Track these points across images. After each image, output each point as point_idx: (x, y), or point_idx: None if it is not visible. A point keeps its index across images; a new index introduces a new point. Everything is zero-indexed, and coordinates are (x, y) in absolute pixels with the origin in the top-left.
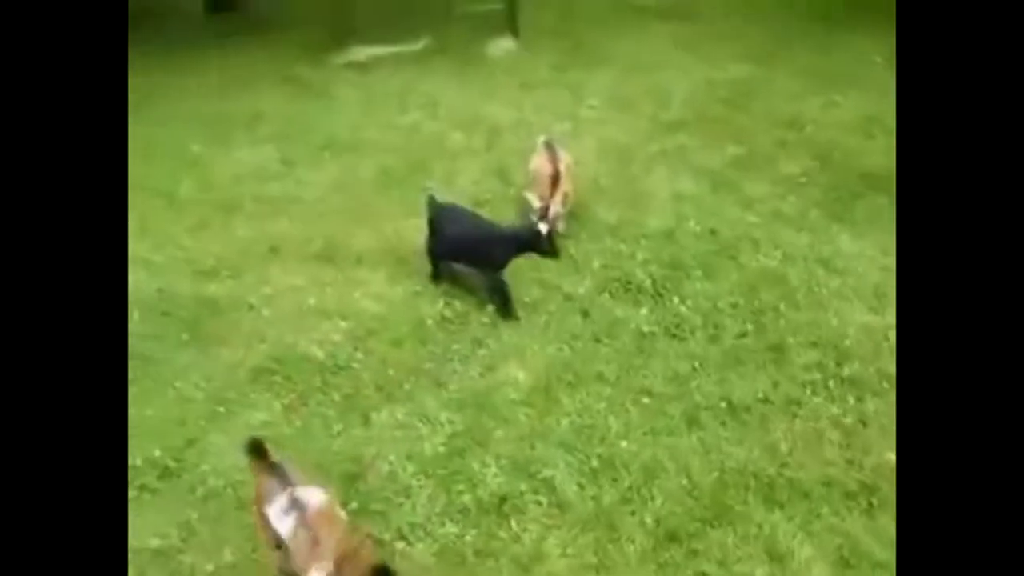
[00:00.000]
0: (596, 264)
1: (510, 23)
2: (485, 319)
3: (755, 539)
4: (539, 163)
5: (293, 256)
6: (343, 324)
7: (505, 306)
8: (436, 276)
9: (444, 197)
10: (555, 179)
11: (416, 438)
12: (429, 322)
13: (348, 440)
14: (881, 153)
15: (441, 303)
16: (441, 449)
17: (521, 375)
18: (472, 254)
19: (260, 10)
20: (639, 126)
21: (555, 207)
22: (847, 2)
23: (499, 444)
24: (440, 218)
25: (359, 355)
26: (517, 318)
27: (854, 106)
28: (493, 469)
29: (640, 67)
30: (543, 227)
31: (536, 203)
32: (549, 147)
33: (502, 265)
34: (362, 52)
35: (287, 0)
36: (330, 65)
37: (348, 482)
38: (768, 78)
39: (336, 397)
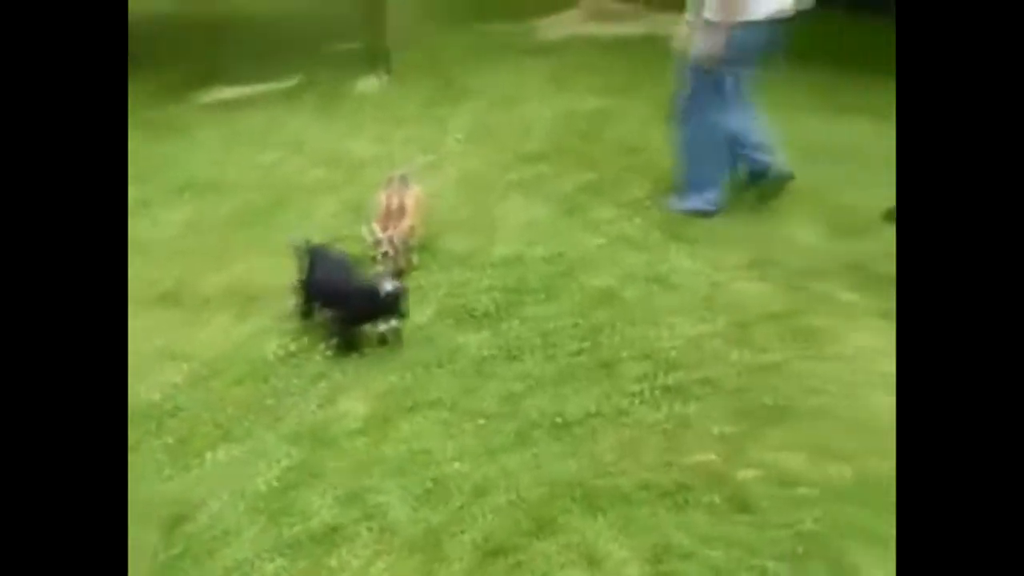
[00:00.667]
0: (442, 292)
1: (382, 60)
2: (328, 352)
3: (576, 546)
4: (384, 197)
5: (138, 299)
6: (185, 366)
7: (346, 345)
8: (307, 315)
9: (302, 235)
10: (399, 212)
11: (250, 475)
12: (271, 359)
13: (179, 483)
14: None
15: (287, 339)
16: (275, 484)
17: (360, 405)
18: (332, 302)
19: None
20: (499, 157)
21: (393, 242)
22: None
23: (334, 475)
24: (314, 260)
25: (198, 396)
26: (362, 353)
27: None
28: (326, 500)
29: (506, 101)
30: (391, 285)
31: (370, 237)
32: (398, 181)
33: (355, 322)
34: (228, 91)
35: (152, 38)
36: (194, 104)
37: (174, 525)
38: (623, 108)
39: (170, 440)
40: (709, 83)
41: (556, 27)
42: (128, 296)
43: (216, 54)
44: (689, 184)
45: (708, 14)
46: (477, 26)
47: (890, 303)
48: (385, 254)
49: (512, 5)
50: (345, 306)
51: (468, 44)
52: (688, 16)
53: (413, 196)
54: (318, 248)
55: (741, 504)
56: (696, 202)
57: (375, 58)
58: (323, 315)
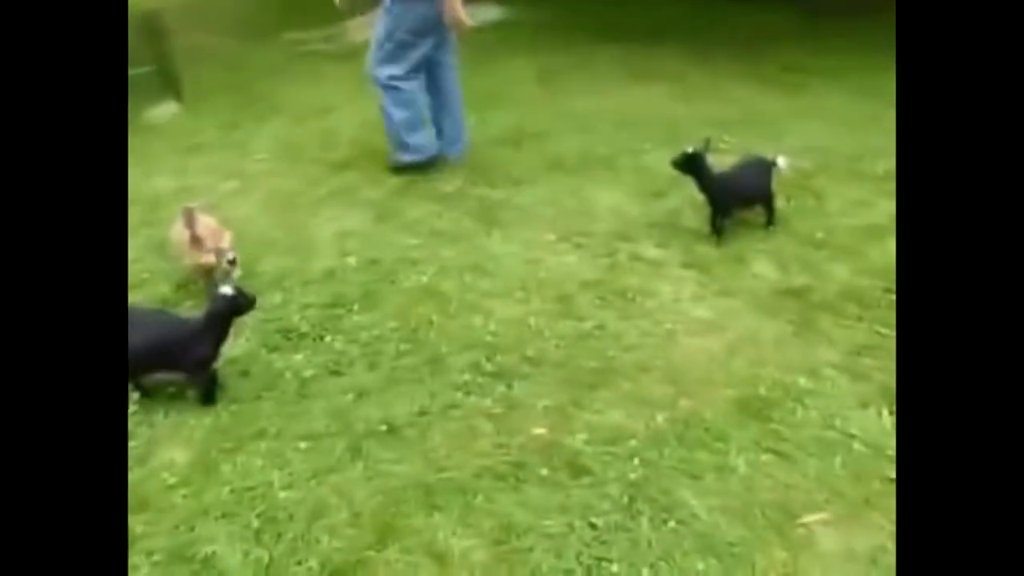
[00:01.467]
0: (256, 318)
1: (171, 85)
2: (133, 407)
3: (417, 547)
4: (176, 231)
5: None
6: None
7: (209, 393)
8: (144, 393)
9: None
10: (195, 241)
11: None
12: None
13: None
14: (527, 158)
15: None
16: None
17: (178, 454)
18: (172, 361)
19: None
20: (307, 171)
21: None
22: (500, 29)
23: (150, 540)
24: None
25: None
26: (215, 402)
27: (505, 119)
28: (144, 570)
29: (311, 113)
30: (228, 289)
31: (202, 259)
32: (185, 214)
33: (213, 358)
34: None
35: None
36: None
37: None
38: None
39: None
40: (402, 53)
41: (362, 29)
42: None
43: None
44: (401, 141)
45: None
46: (284, 35)
47: (689, 253)
48: (232, 261)
49: (318, 10)
50: (195, 353)
51: (272, 56)
52: None
53: (204, 226)
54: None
55: (573, 469)
56: (411, 155)
57: (165, 84)
58: (165, 380)
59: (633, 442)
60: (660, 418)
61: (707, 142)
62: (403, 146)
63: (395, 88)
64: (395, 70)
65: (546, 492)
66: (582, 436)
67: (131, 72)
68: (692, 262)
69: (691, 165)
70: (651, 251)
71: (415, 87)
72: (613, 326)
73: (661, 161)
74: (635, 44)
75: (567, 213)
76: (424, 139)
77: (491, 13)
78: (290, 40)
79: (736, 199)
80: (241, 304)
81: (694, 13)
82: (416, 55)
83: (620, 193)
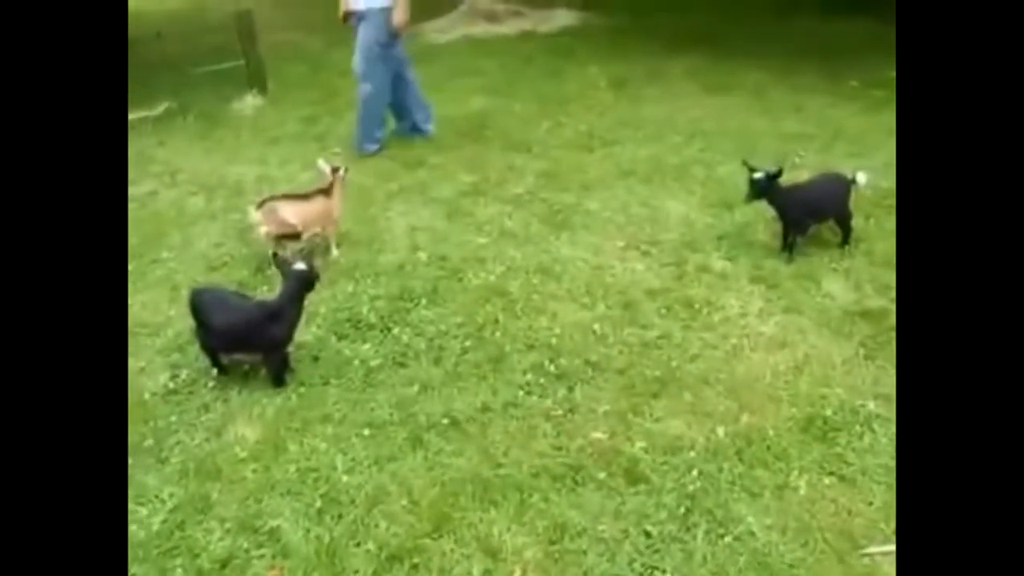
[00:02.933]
0: (326, 308)
1: (257, 79)
2: (212, 384)
3: (472, 540)
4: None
5: None
6: None
7: (278, 375)
8: (222, 370)
9: (182, 266)
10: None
11: (131, 523)
12: (151, 398)
13: None
14: (598, 164)
15: (166, 376)
16: (159, 527)
17: (249, 431)
18: (248, 342)
19: None
20: (380, 167)
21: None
22: (576, 35)
23: (223, 507)
24: (204, 308)
25: None
26: (285, 384)
27: (578, 125)
28: (217, 534)
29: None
30: (300, 264)
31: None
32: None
33: (287, 341)
34: None
35: None
36: None
37: None
38: (503, 108)
39: None
40: (378, 56)
41: (440, 30)
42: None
43: None
44: (364, 133)
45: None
46: None
47: (758, 268)
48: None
49: None
50: (270, 340)
51: (348, 56)
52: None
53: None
54: (205, 292)
55: (630, 476)
56: (370, 145)
57: (251, 78)
58: (242, 360)
59: (692, 454)
60: (721, 432)
61: (780, 164)
62: (373, 139)
63: (377, 88)
64: (380, 70)
65: (602, 496)
66: (641, 444)
67: (222, 66)
68: (761, 277)
69: (763, 189)
70: (719, 263)
71: (389, 86)
72: (677, 336)
73: (734, 173)
74: (709, 55)
75: (636, 220)
76: (383, 134)
77: (565, 19)
78: None
79: (808, 214)
80: (312, 278)
81: (771, 24)
82: (392, 54)
83: (690, 203)
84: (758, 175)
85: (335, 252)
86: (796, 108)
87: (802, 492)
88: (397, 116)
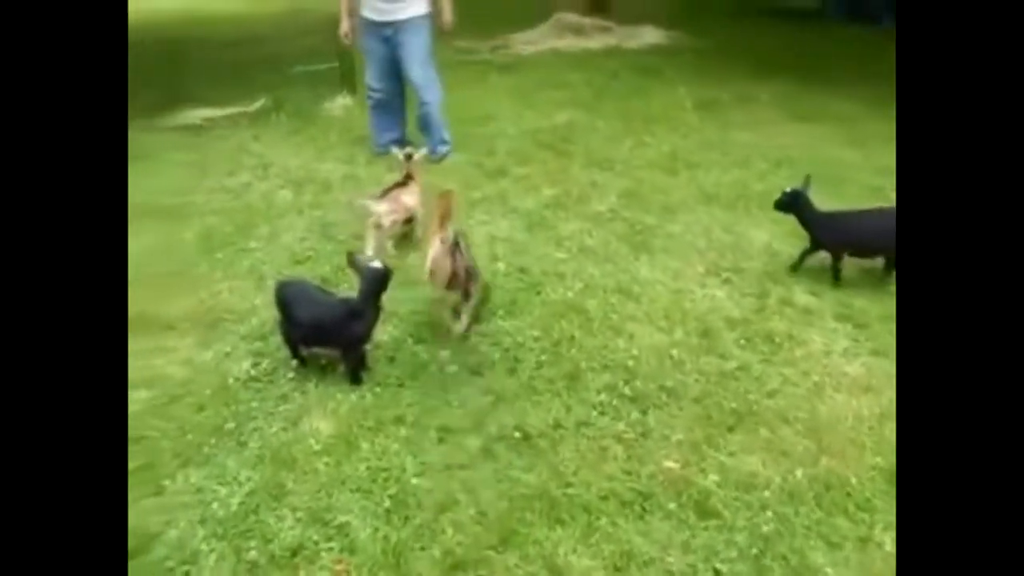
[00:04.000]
0: (405, 310)
1: (347, 81)
2: (291, 375)
3: (537, 558)
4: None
5: None
6: (144, 394)
7: (355, 372)
8: (301, 363)
9: (268, 257)
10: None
11: (210, 501)
12: (234, 383)
13: (137, 512)
14: (681, 186)
15: (249, 363)
16: (236, 508)
17: (323, 425)
18: (329, 338)
19: None
20: (465, 173)
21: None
22: (662, 54)
23: (295, 496)
24: (289, 301)
25: (159, 423)
26: (361, 382)
27: (662, 145)
28: (288, 522)
29: (472, 119)
30: (376, 262)
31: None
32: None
33: (366, 339)
34: (195, 114)
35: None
36: (161, 128)
37: (131, 558)
38: (588, 123)
39: (130, 468)
40: (431, 61)
41: (528, 42)
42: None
43: (183, 77)
44: (437, 137)
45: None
46: (452, 43)
47: (845, 305)
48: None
49: (486, 21)
50: (350, 334)
51: (441, 61)
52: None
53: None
54: (290, 286)
55: (701, 509)
56: (443, 147)
57: (343, 79)
58: (320, 354)
59: (767, 493)
60: (799, 473)
61: (807, 178)
62: (445, 141)
63: (438, 92)
64: (435, 75)
65: (671, 527)
66: (714, 477)
67: (316, 67)
68: (847, 315)
69: (792, 202)
70: (803, 297)
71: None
72: (756, 369)
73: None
74: (800, 81)
75: (718, 246)
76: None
77: (652, 36)
78: (459, 48)
79: (843, 242)
80: (388, 274)
81: (866, 53)
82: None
83: (775, 233)
84: (787, 189)
85: (420, 234)
86: (890, 141)
87: (887, 548)
88: (394, 125)
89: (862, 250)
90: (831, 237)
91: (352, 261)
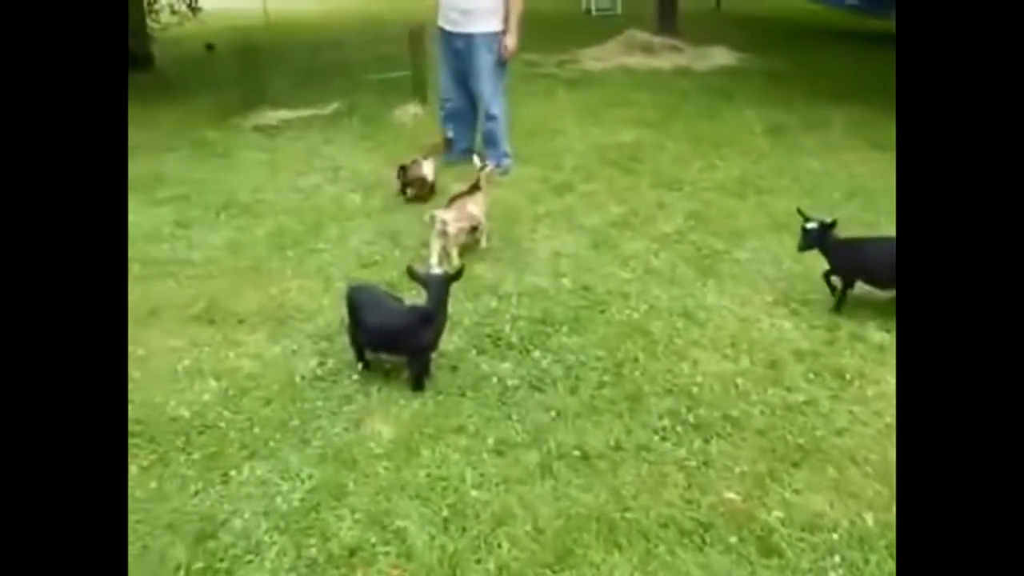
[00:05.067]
0: (469, 321)
1: (418, 89)
2: (356, 376)
3: None
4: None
5: (173, 318)
6: (215, 384)
7: (419, 379)
8: (365, 366)
9: (336, 259)
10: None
11: (274, 494)
12: (300, 380)
13: (205, 499)
14: (750, 212)
15: (315, 361)
16: (297, 504)
17: (385, 429)
18: (396, 343)
19: (174, 72)
20: (531, 188)
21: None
22: (733, 76)
23: (355, 497)
24: (359, 305)
25: (227, 414)
26: (423, 390)
27: (731, 168)
28: (347, 522)
29: (541, 131)
30: (438, 269)
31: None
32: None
33: (433, 347)
34: (272, 115)
35: (201, 63)
36: (238, 128)
37: (198, 540)
38: (656, 142)
39: (197, 456)
40: (500, 76)
41: (596, 58)
42: (165, 314)
43: (260, 80)
44: (502, 151)
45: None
46: (522, 56)
47: None
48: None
49: (556, 36)
50: (417, 341)
51: (509, 74)
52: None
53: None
54: (361, 290)
55: (763, 546)
56: (508, 160)
57: (414, 88)
58: (388, 359)
59: (834, 536)
60: (869, 519)
61: (801, 212)
62: (508, 154)
63: (504, 107)
64: (502, 91)
65: (731, 562)
66: (777, 513)
67: (390, 75)
68: None
69: (815, 241)
70: (875, 334)
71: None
72: (824, 405)
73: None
74: (875, 107)
75: (787, 276)
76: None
77: (723, 58)
78: (527, 61)
79: (856, 270)
80: (450, 277)
81: None
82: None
83: None
84: (811, 225)
85: (485, 243)
86: None
87: None
88: (464, 136)
89: (871, 279)
90: (846, 266)
91: (412, 273)
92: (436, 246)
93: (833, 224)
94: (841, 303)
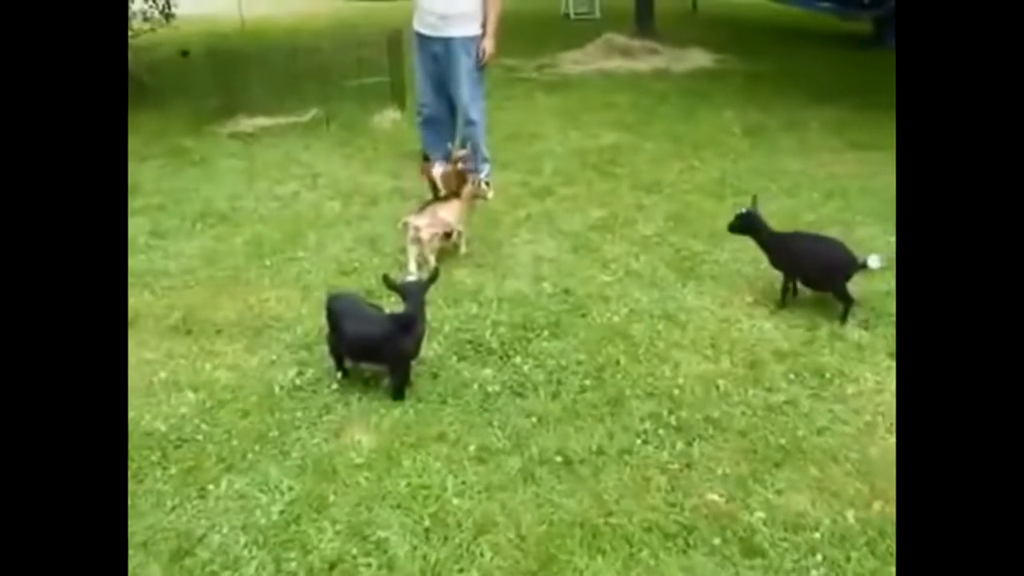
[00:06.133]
0: (449, 327)
1: (398, 95)
2: (335, 386)
3: None
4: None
5: (149, 329)
6: (192, 396)
7: (399, 387)
8: (345, 375)
9: (315, 267)
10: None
11: (253, 508)
12: (279, 391)
13: (181, 515)
14: (729, 213)
15: (294, 371)
16: (276, 517)
17: (365, 439)
18: (377, 352)
19: (148, 81)
20: (510, 192)
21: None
22: (711, 77)
23: (336, 509)
24: (339, 314)
25: (204, 427)
26: (404, 398)
27: (710, 170)
28: (328, 534)
29: (520, 136)
30: (414, 275)
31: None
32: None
33: (415, 355)
34: (249, 123)
35: (176, 70)
36: (215, 136)
37: (175, 558)
38: (635, 145)
39: (174, 471)
40: (479, 81)
41: (575, 61)
42: (141, 325)
43: (238, 87)
44: (480, 157)
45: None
46: (500, 60)
47: None
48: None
49: (534, 40)
50: (397, 349)
51: (488, 78)
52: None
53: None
54: (341, 299)
55: (746, 547)
56: (486, 165)
57: (393, 94)
58: (368, 368)
59: (816, 535)
60: (850, 516)
61: (754, 199)
62: (485, 159)
63: (483, 112)
64: (481, 95)
65: (715, 564)
66: (760, 514)
67: (368, 80)
68: None
69: (746, 226)
70: (855, 332)
71: None
72: (805, 404)
73: (874, 237)
74: (853, 108)
75: (767, 276)
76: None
77: (701, 59)
78: (506, 66)
79: (792, 265)
80: (428, 282)
81: None
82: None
83: None
84: (743, 210)
85: (464, 249)
86: None
87: None
88: (443, 141)
89: (806, 279)
90: (780, 259)
91: (388, 283)
92: (412, 252)
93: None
94: (785, 296)
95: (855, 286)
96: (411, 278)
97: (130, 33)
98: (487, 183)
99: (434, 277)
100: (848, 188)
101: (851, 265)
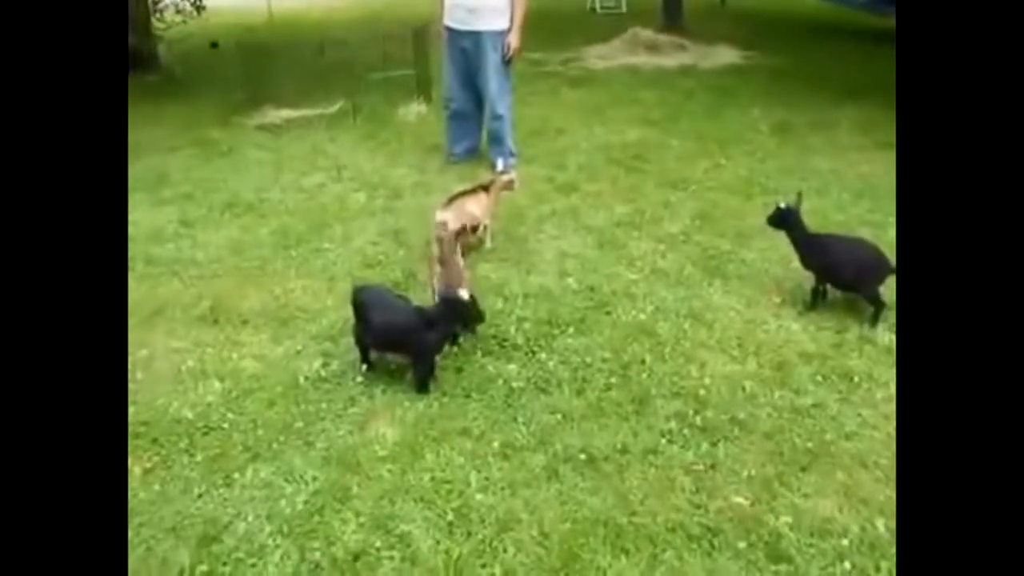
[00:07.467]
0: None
1: (423, 88)
2: (359, 378)
3: None
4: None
5: (177, 318)
6: (219, 385)
7: (423, 381)
8: (369, 367)
9: (340, 258)
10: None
11: (278, 497)
12: (304, 381)
13: (208, 501)
14: (757, 212)
15: (319, 362)
16: (301, 507)
17: (389, 432)
18: (402, 344)
19: (179, 72)
20: (535, 187)
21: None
22: (738, 74)
23: (359, 501)
24: (365, 304)
25: (231, 415)
26: (428, 391)
27: (737, 168)
28: (351, 526)
29: (546, 130)
30: (464, 294)
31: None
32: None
33: (439, 349)
34: (276, 114)
35: (205, 62)
36: (243, 127)
37: (202, 543)
38: (662, 142)
39: (200, 459)
40: (507, 75)
41: (600, 57)
42: (169, 315)
43: (266, 79)
44: (507, 150)
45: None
46: (526, 54)
47: None
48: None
49: (558, 34)
50: (423, 342)
51: (514, 72)
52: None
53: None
54: (367, 290)
55: (772, 551)
56: (512, 159)
57: (418, 87)
58: (393, 360)
59: (844, 541)
60: (880, 525)
61: (799, 195)
62: (512, 152)
63: (510, 105)
64: (509, 89)
65: (740, 567)
66: (786, 518)
67: (393, 73)
68: None
69: (782, 220)
70: (885, 336)
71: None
72: (833, 408)
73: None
74: (884, 107)
75: (795, 276)
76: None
77: (728, 56)
78: (531, 60)
79: (824, 267)
80: (467, 314)
81: None
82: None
83: None
84: (783, 205)
85: (489, 243)
86: None
87: None
88: (469, 135)
89: (838, 282)
90: (816, 261)
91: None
92: (435, 273)
93: (794, 211)
94: (816, 301)
95: (886, 289)
96: (461, 292)
97: (162, 25)
98: (511, 174)
99: (477, 315)
100: (878, 188)
101: (884, 268)
